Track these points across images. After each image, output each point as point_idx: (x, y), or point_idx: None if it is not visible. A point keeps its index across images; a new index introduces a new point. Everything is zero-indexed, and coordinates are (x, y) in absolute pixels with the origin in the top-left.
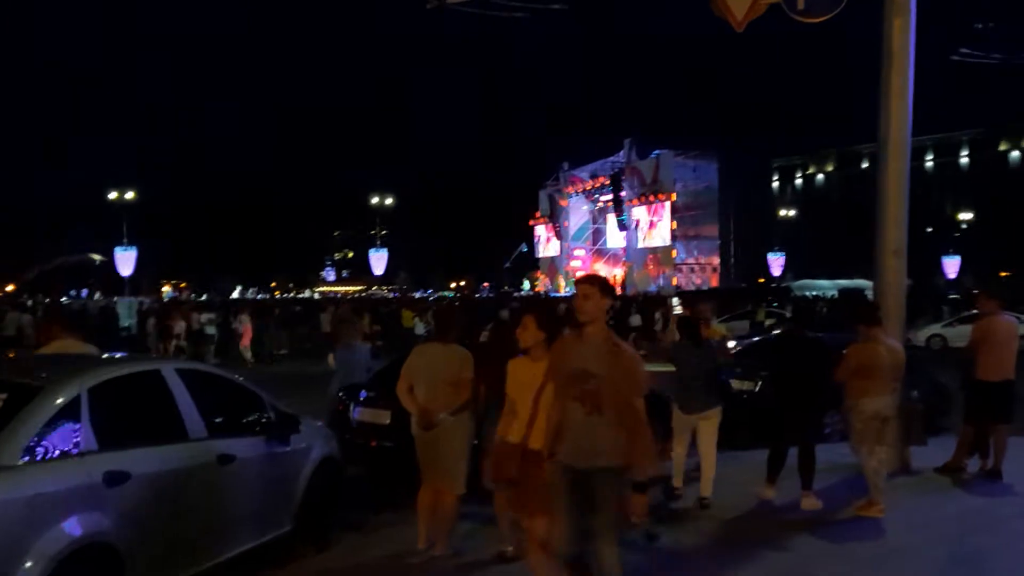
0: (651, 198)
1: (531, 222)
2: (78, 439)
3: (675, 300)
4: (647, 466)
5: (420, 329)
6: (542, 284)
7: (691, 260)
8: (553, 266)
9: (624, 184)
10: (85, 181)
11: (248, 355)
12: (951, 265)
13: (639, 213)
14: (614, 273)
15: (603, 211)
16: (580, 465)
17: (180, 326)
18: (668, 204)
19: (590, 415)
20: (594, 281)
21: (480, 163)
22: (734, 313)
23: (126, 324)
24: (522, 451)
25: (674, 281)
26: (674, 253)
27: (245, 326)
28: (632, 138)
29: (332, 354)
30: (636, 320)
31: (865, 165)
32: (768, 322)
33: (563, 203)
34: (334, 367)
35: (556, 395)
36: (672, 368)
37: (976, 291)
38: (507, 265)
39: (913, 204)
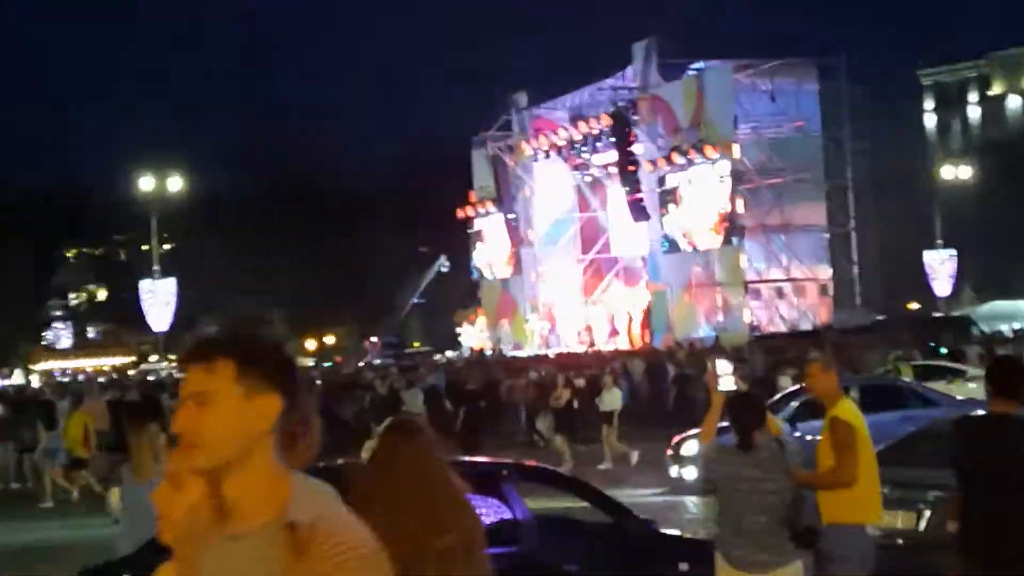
0: (691, 154)
1: (460, 211)
2: None
3: (722, 364)
4: None
5: None
6: (487, 336)
7: (777, 272)
8: (507, 295)
9: (638, 130)
10: None
11: None
12: None
13: (671, 184)
14: (631, 307)
15: (598, 184)
16: None
17: None
18: (727, 165)
19: None
20: (215, 349)
21: (358, 109)
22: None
23: None
24: None
25: (746, 316)
26: (743, 261)
27: None
28: (650, 40)
29: (116, 489)
30: (614, 401)
31: None
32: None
33: (515, 166)
34: (117, 515)
35: None
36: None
37: None
38: (414, 301)
39: None
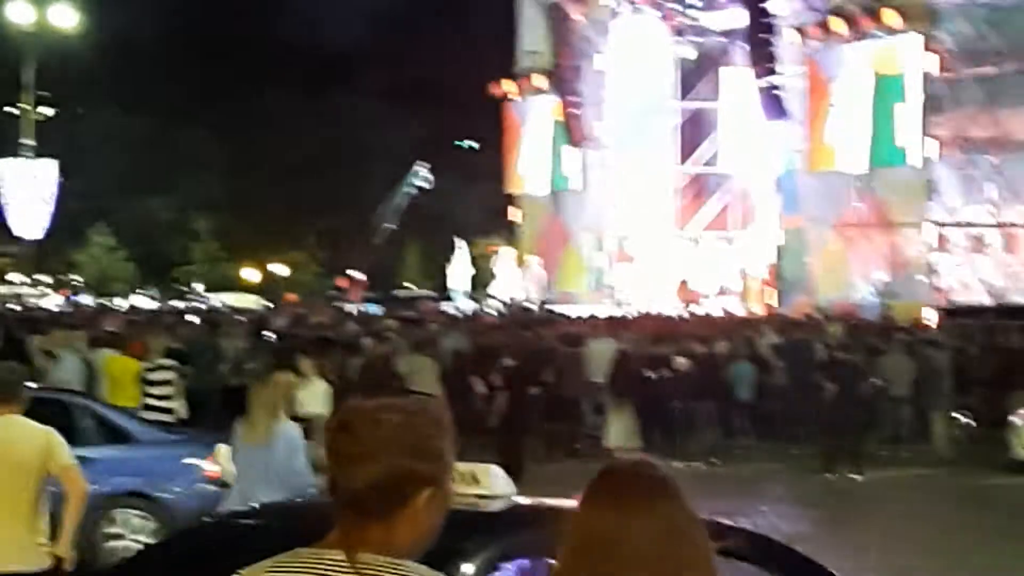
0: (860, 22)
1: (495, 87)
2: None
3: None
4: None
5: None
6: (524, 280)
7: (980, 212)
8: (557, 220)
9: None
10: None
11: None
12: None
13: (829, 67)
14: (749, 251)
15: (711, 59)
16: None
17: None
18: (918, 42)
19: None
20: None
21: None
22: None
23: None
24: None
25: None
26: (931, 193)
27: None
28: None
29: (223, 448)
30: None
31: None
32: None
33: (584, 22)
34: (225, 477)
35: None
36: None
37: None
38: (388, 226)
39: None
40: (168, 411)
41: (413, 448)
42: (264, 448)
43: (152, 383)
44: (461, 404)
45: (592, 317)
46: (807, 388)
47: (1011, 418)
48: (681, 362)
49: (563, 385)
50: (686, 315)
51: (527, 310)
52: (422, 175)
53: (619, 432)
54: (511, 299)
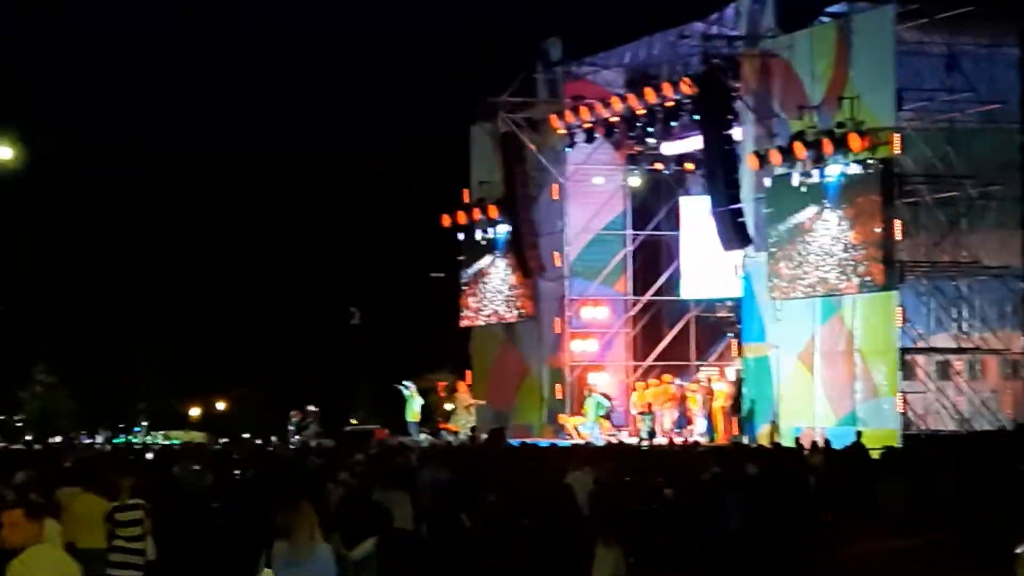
0: (826, 146)
1: (446, 217)
2: None
3: None
4: None
5: None
6: (477, 413)
7: (946, 339)
8: (513, 351)
9: (740, 105)
10: None
11: None
12: None
13: (797, 192)
14: (712, 381)
15: (667, 185)
16: None
17: None
18: (878, 167)
19: None
20: None
21: (284, 47)
22: None
23: None
24: None
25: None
26: (899, 319)
27: None
28: None
29: (268, 572)
30: None
31: None
32: None
33: (537, 152)
34: None
35: None
36: None
37: None
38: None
39: None
40: (140, 552)
41: None
42: (309, 565)
43: (122, 523)
44: (449, 539)
45: (560, 447)
46: (801, 517)
47: (1017, 550)
48: (668, 492)
49: (550, 517)
50: (647, 445)
51: (495, 440)
52: (355, 316)
53: (606, 566)
54: (470, 431)
